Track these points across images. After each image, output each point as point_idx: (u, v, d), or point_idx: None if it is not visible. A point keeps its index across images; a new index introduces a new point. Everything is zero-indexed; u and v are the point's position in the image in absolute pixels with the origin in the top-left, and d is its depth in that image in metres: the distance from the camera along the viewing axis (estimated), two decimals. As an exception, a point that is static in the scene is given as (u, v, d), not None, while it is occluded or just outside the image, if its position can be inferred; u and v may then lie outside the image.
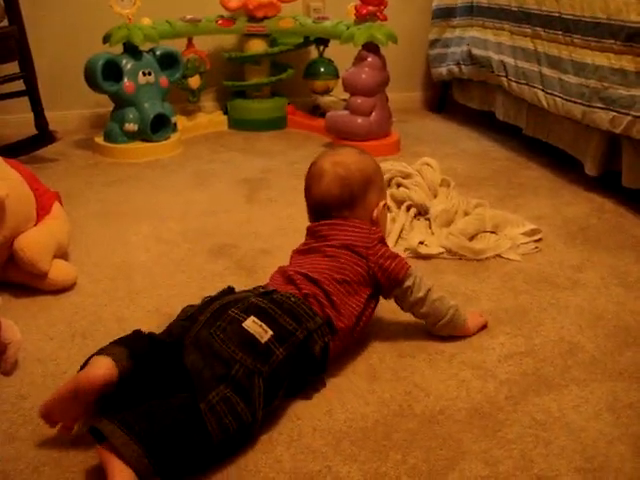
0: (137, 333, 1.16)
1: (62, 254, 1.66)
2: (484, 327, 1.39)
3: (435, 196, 1.91)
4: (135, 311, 1.47)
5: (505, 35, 2.48)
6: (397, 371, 1.25)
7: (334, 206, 1.34)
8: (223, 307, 1.16)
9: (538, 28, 2.26)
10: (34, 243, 1.54)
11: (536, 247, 1.77)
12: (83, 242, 1.83)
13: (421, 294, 1.29)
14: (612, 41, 1.92)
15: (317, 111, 3.06)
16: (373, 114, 2.56)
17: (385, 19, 2.57)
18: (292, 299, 1.20)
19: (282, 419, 1.13)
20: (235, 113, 3.00)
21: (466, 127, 3.01)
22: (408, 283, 1.28)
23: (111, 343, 1.10)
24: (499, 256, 1.72)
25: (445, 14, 2.94)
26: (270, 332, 1.12)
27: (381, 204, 1.37)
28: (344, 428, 1.11)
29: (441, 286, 1.55)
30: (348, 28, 2.59)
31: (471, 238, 1.76)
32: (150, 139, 2.58)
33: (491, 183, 2.26)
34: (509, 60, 2.44)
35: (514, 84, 2.42)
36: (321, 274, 1.26)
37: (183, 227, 1.92)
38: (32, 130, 2.56)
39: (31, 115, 2.53)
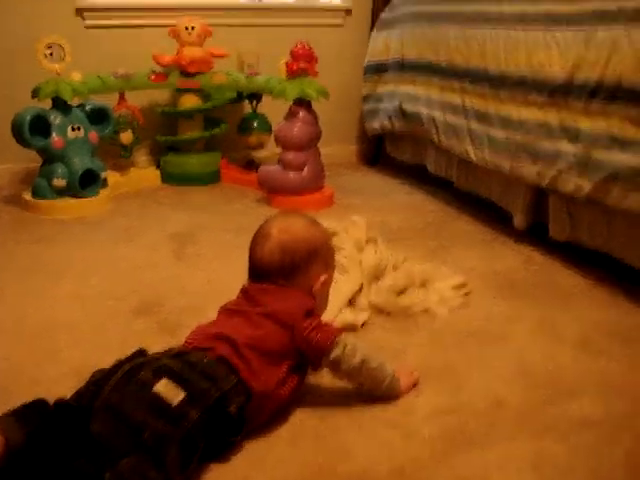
0: (37, 402, 1.11)
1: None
2: (414, 385, 1.35)
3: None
4: (52, 373, 1.40)
5: (434, 90, 2.52)
6: (319, 433, 1.21)
7: (273, 272, 1.31)
8: (134, 370, 1.12)
9: (466, 83, 2.30)
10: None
11: (464, 301, 1.76)
12: (4, 300, 1.76)
13: (356, 362, 1.25)
14: (536, 96, 1.95)
15: (252, 165, 3.04)
16: (305, 168, 2.56)
17: (316, 74, 2.58)
18: (205, 360, 1.16)
19: (198, 486, 1.08)
20: (168, 167, 2.96)
21: (399, 180, 3.04)
22: (335, 353, 1.24)
23: (3, 414, 1.06)
24: (427, 311, 1.70)
25: (377, 70, 2.98)
26: (182, 394, 1.08)
27: (322, 278, 1.34)
28: (262, 495, 1.06)
29: (369, 342, 1.53)
30: (280, 84, 2.60)
31: (400, 293, 1.74)
32: (79, 195, 2.52)
33: (424, 235, 2.27)
34: (438, 115, 2.47)
35: (443, 138, 2.45)
36: (241, 339, 1.21)
37: (107, 284, 1.87)
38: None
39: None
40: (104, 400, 1.08)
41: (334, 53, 3.25)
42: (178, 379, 1.10)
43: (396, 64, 2.83)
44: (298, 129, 2.54)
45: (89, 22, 2.92)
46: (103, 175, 2.62)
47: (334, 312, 1.62)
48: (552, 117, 1.91)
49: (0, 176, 2.88)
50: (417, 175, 2.98)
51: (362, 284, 1.75)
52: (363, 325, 1.63)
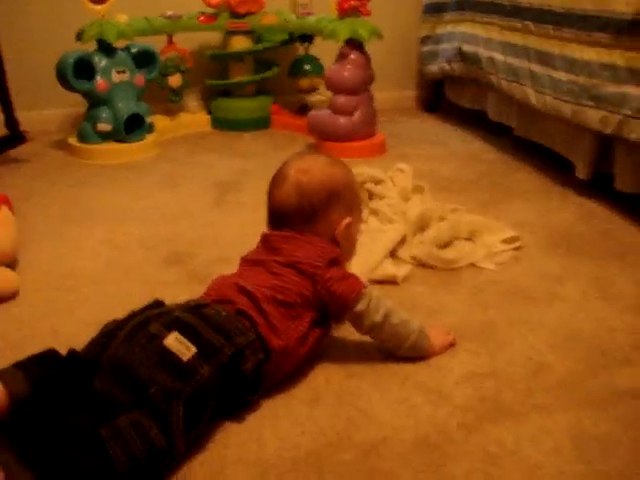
0: (46, 353, 1.06)
1: (7, 262, 1.56)
2: (451, 346, 1.26)
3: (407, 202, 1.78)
4: (73, 324, 1.36)
5: (495, 30, 2.35)
6: (342, 395, 1.13)
7: (292, 216, 1.23)
8: (144, 322, 1.06)
9: (528, 22, 2.13)
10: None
11: (514, 256, 1.63)
12: (35, 247, 1.73)
13: (378, 318, 1.16)
14: (601, 34, 1.78)
15: (305, 110, 2.93)
16: (356, 113, 2.44)
17: (368, 14, 2.44)
18: (223, 313, 1.09)
19: (208, 445, 1.02)
20: (218, 112, 2.88)
21: (459, 127, 2.88)
22: (360, 307, 1.16)
23: (10, 365, 1.01)
24: (473, 265, 1.59)
25: (436, 9, 2.81)
26: (193, 349, 1.01)
27: (345, 221, 1.25)
28: (272, 459, 0.99)
29: (406, 298, 1.44)
30: (331, 23, 2.47)
31: (445, 246, 1.63)
32: (124, 140, 2.48)
33: (476, 186, 2.13)
34: (498, 56, 2.31)
35: (503, 82, 2.29)
36: (261, 292, 1.14)
37: (141, 232, 1.82)
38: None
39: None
40: (111, 354, 1.02)
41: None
42: (191, 333, 1.03)
43: (456, 3, 2.66)
44: (349, 72, 2.41)
45: (137, -38, 2.83)
46: (149, 120, 2.56)
47: (374, 263, 1.53)
48: (618, 58, 1.73)
49: (50, 120, 2.85)
50: (477, 122, 2.82)
51: (405, 235, 1.65)
52: (404, 279, 1.53)
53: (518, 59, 2.19)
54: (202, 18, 2.74)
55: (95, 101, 2.47)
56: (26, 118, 2.61)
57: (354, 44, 2.42)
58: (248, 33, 2.80)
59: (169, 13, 2.67)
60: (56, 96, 2.65)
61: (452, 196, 2.01)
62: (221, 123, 2.87)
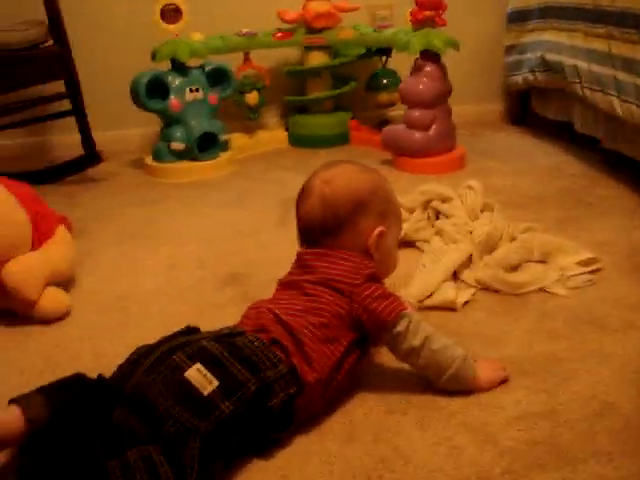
0: (72, 378, 1.04)
1: (61, 281, 1.57)
2: (503, 382, 1.15)
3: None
4: (117, 346, 1.33)
5: (579, 37, 2.21)
6: (379, 431, 1.05)
7: (318, 230, 1.17)
8: (170, 351, 1.01)
9: (612, 27, 1.98)
10: (22, 270, 1.45)
11: (590, 280, 1.50)
12: (95, 267, 1.74)
13: (416, 342, 1.08)
14: (690, 37, 1.63)
15: (385, 126, 2.85)
16: (432, 128, 2.34)
17: (444, 24, 2.34)
18: (255, 343, 1.03)
19: (229, 484, 0.96)
20: (296, 129, 2.85)
21: (545, 141, 2.73)
22: (399, 328, 1.08)
23: (33, 390, 0.99)
24: (543, 290, 1.47)
25: (520, 17, 2.68)
26: (215, 383, 0.96)
27: (376, 231, 1.17)
28: (296, 502, 0.92)
29: (464, 325, 1.35)
30: (406, 35, 2.39)
31: (513, 269, 1.52)
32: (197, 158, 2.47)
33: (555, 203, 1.99)
34: (582, 64, 2.16)
35: (587, 91, 2.14)
36: (294, 316, 1.09)
37: (203, 251, 1.79)
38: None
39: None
40: (133, 383, 0.98)
41: (475, 4, 2.98)
42: (215, 365, 0.98)
43: (540, 10, 2.52)
44: (424, 85, 2.32)
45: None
46: (223, 137, 2.55)
47: (432, 286, 1.43)
48: None
49: (130, 140, 2.89)
50: (564, 135, 2.66)
51: (471, 256, 1.54)
52: (465, 305, 1.43)
53: (602, 66, 2.04)
54: (278, 35, 2.72)
55: (169, 120, 2.48)
56: (106, 138, 2.68)
57: (429, 56, 2.32)
58: (325, 48, 2.75)
59: (244, 31, 2.66)
60: (135, 116, 2.68)
61: (528, 214, 1.88)
62: (299, 140, 2.83)
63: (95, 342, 1.37)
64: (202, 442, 0.91)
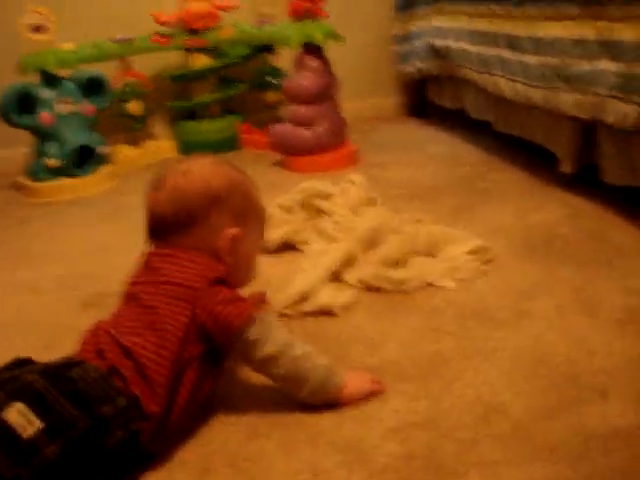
0: None
1: None
2: (374, 394, 1.02)
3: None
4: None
5: (464, 19, 2.13)
6: (238, 460, 0.91)
7: (167, 225, 1.03)
8: None
9: (493, 5, 1.90)
10: None
11: (481, 269, 1.40)
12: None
13: (272, 349, 0.94)
14: (567, 5, 1.55)
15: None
16: (320, 124, 2.22)
17: (325, 15, 2.24)
18: (91, 374, 0.89)
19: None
20: (184, 136, 2.70)
21: (442, 130, 2.65)
22: (251, 334, 0.94)
23: None
24: (431, 285, 1.36)
25: (408, 4, 2.59)
26: (37, 424, 0.81)
27: (229, 232, 1.04)
28: None
29: (343, 330, 1.22)
30: (286, 29, 2.27)
31: (399, 264, 1.40)
32: (74, 174, 2.29)
33: (451, 192, 1.90)
34: (468, 47, 2.09)
35: (475, 74, 2.06)
36: (132, 335, 0.94)
37: (66, 271, 1.63)
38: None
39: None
40: None
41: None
42: (39, 403, 0.83)
43: (426, -5, 2.44)
44: (307, 80, 2.21)
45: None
46: (102, 150, 2.37)
47: (306, 289, 1.30)
48: (588, 30, 1.50)
49: (9, 161, 2.67)
50: (462, 123, 2.59)
51: (354, 254, 1.42)
52: (345, 307, 1.30)
53: (487, 47, 1.97)
54: (156, 38, 2.56)
55: (42, 135, 2.29)
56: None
57: (311, 49, 2.21)
58: (209, 50, 2.61)
59: (119, 37, 2.50)
60: (8, 135, 2.48)
61: (423, 205, 1.79)
62: (188, 147, 2.67)
63: None
64: None
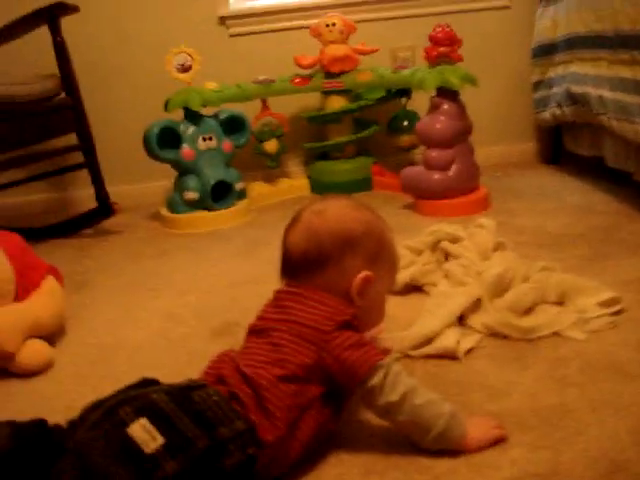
0: (32, 422, 0.95)
1: (46, 334, 1.50)
2: (498, 442, 1.00)
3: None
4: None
5: (603, 66, 2.08)
6: (350, 498, 0.92)
7: (299, 264, 1.06)
8: (118, 404, 0.91)
9: (635, 52, 1.85)
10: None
11: (612, 322, 1.35)
12: (88, 319, 1.69)
13: (394, 397, 0.95)
14: None
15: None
16: (452, 168, 2.23)
17: (460, 59, 2.26)
18: (213, 398, 0.93)
19: None
20: (317, 176, 2.77)
21: (577, 178, 2.58)
22: (374, 381, 0.95)
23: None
24: (558, 335, 1.32)
25: (545, 51, 2.56)
26: (160, 440, 0.85)
27: (361, 275, 1.05)
28: None
29: (466, 375, 1.21)
30: (422, 73, 2.30)
31: (527, 312, 1.38)
32: (211, 208, 2.41)
33: (583, 241, 1.84)
34: (607, 94, 2.03)
35: (614, 121, 2.00)
36: (257, 368, 0.98)
37: (201, 302, 1.71)
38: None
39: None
40: (76, 438, 0.89)
41: (501, 38, 2.89)
42: (162, 421, 0.88)
43: (565, 42, 2.40)
44: (440, 123, 2.22)
45: (233, 30, 2.82)
46: (239, 186, 2.48)
47: (431, 333, 1.30)
48: None
49: (156, 192, 2.84)
50: (598, 172, 2.51)
51: (481, 299, 1.41)
52: (468, 352, 1.29)
53: (627, 94, 1.91)
54: (296, 80, 2.66)
55: (182, 170, 2.43)
56: (124, 192, 2.67)
57: (446, 93, 2.23)
58: (345, 92, 2.68)
59: (261, 78, 2.61)
60: (152, 169, 2.64)
61: (552, 253, 1.74)
62: (320, 187, 2.74)
63: (71, 396, 1.29)
64: None
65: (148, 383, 1.01)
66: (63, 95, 2.35)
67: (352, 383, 0.97)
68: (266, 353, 1.00)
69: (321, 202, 1.11)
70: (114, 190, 2.52)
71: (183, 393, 0.93)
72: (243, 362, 0.99)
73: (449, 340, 1.29)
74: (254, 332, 1.08)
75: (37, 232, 2.46)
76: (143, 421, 0.87)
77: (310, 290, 1.05)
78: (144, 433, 0.86)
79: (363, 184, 2.71)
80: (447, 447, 0.97)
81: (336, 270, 1.05)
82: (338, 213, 1.08)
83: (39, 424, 0.95)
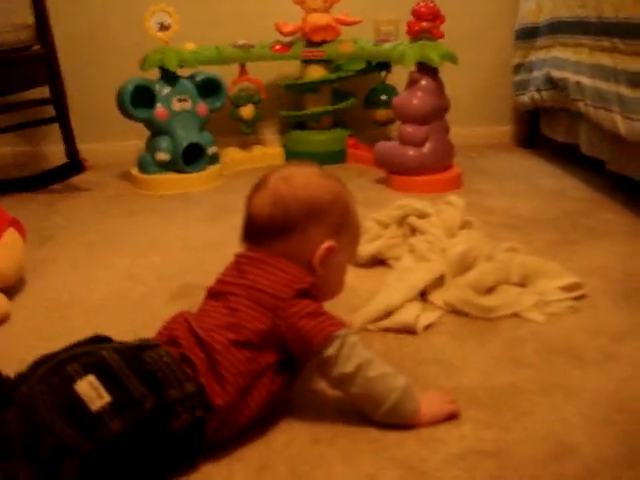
0: None
1: (4, 285, 1.47)
2: (450, 418, 1.00)
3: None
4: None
5: (584, 52, 2.07)
6: (297, 463, 0.91)
7: (262, 229, 1.04)
8: (67, 359, 0.90)
9: (616, 39, 1.84)
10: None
11: (572, 306, 1.35)
12: (49, 273, 1.66)
13: (349, 368, 0.94)
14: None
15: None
16: (427, 145, 2.21)
17: (441, 36, 2.23)
18: (164, 359, 0.91)
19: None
20: (291, 145, 2.74)
21: (551, 164, 2.59)
22: (329, 352, 0.94)
23: None
24: (518, 315, 1.32)
25: (528, 34, 2.55)
26: (107, 398, 0.84)
27: (325, 244, 1.04)
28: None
29: (423, 350, 1.21)
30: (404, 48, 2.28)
31: (488, 291, 1.38)
32: (183, 170, 2.37)
33: (552, 226, 1.85)
34: (586, 80, 2.03)
35: (591, 109, 2.00)
36: (211, 331, 0.96)
37: (164, 264, 1.69)
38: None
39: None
40: (23, 391, 0.88)
41: (485, 19, 2.87)
42: (110, 379, 0.86)
43: (548, 26, 2.39)
44: (418, 99, 2.20)
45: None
46: (211, 150, 2.45)
47: (391, 306, 1.30)
48: None
49: (128, 152, 2.79)
50: (573, 158, 2.51)
51: (444, 276, 1.41)
52: (427, 327, 1.29)
53: (606, 82, 1.90)
54: (277, 47, 2.62)
55: (155, 130, 2.39)
56: (96, 150, 2.64)
57: (425, 69, 2.21)
58: (325, 62, 2.65)
59: (241, 42, 2.57)
60: (126, 128, 2.59)
61: (520, 235, 1.75)
62: (295, 156, 2.71)
63: (25, 350, 1.24)
64: (82, 463, 0.80)
65: (100, 340, 1.00)
66: (38, 47, 2.29)
67: (307, 352, 0.96)
68: (221, 317, 0.98)
69: (287, 168, 1.09)
70: (86, 147, 2.49)
71: (134, 353, 0.92)
72: (198, 324, 0.98)
73: (409, 315, 1.28)
74: (212, 295, 1.06)
75: (5, 185, 2.41)
76: (91, 378, 0.85)
77: (270, 256, 1.03)
78: (91, 390, 0.84)
79: (337, 156, 2.70)
80: (399, 422, 0.97)
81: (300, 238, 1.03)
82: (306, 180, 1.06)
83: None
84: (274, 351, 0.97)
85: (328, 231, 1.05)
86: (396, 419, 0.96)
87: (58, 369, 0.88)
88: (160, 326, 1.04)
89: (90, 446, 0.80)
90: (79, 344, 0.97)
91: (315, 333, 0.95)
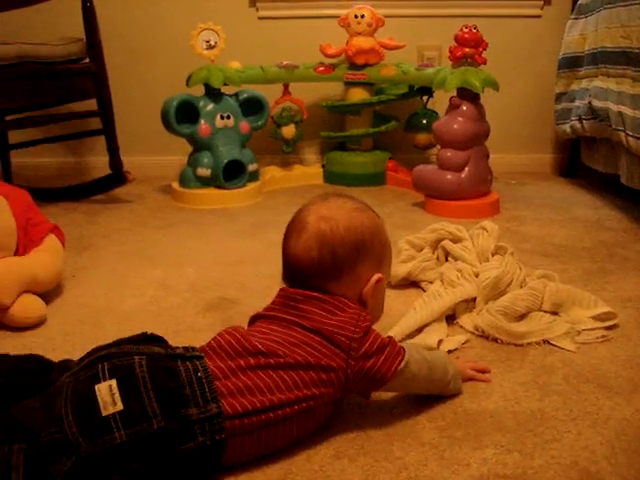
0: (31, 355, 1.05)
1: (40, 290, 1.51)
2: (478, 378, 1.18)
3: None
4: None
5: (627, 83, 2.06)
6: (317, 477, 0.92)
7: (311, 273, 1.03)
8: (104, 357, 0.92)
9: (660, 71, 1.84)
10: (-3, 272, 1.40)
11: (604, 336, 1.34)
12: (86, 281, 1.69)
13: (412, 384, 1.07)
14: None
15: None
16: (465, 170, 2.22)
17: (484, 62, 2.24)
18: (199, 374, 0.90)
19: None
20: (331, 166, 2.76)
21: (590, 193, 2.57)
22: (396, 383, 1.02)
23: None
24: (549, 343, 1.32)
25: (571, 64, 2.55)
26: (120, 406, 0.84)
27: (374, 278, 1.05)
28: None
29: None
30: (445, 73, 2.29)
31: (519, 317, 1.38)
32: (223, 186, 2.41)
33: (587, 255, 1.83)
34: (628, 111, 2.02)
35: (632, 139, 1.99)
36: (270, 349, 0.96)
37: (198, 276, 1.71)
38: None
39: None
40: (61, 379, 0.91)
41: (528, 47, 2.88)
42: (129, 388, 0.86)
43: (591, 56, 2.38)
44: (458, 124, 2.21)
45: (262, 13, 2.82)
46: (251, 167, 2.48)
47: (411, 328, 1.32)
48: None
49: (171, 166, 2.84)
50: (613, 188, 2.49)
51: (476, 301, 1.41)
52: (453, 351, 1.29)
53: (648, 113, 1.89)
54: (320, 68, 2.65)
55: (198, 146, 2.44)
56: (141, 163, 2.69)
57: (466, 95, 2.22)
58: (367, 85, 2.68)
59: (285, 62, 2.61)
60: (171, 142, 2.64)
61: (555, 263, 1.74)
62: (334, 177, 2.74)
63: (58, 353, 1.27)
64: (77, 463, 0.81)
65: (151, 339, 1.01)
66: (87, 60, 2.36)
67: (377, 387, 1.01)
68: (297, 337, 0.98)
69: (324, 205, 1.06)
70: (129, 160, 2.54)
71: (170, 362, 0.91)
72: (257, 338, 0.97)
73: (431, 339, 1.29)
74: (270, 319, 1.04)
75: (49, 193, 2.48)
76: (112, 382, 0.86)
77: (326, 295, 1.02)
78: (108, 395, 0.85)
79: (377, 178, 2.71)
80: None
81: (349, 277, 1.03)
82: (347, 219, 1.03)
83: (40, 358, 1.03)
84: (335, 389, 0.97)
85: (373, 264, 1.06)
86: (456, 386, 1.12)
87: (90, 365, 0.90)
88: (191, 336, 1.06)
89: (90, 448, 0.81)
90: (129, 340, 0.98)
91: (385, 370, 0.99)
